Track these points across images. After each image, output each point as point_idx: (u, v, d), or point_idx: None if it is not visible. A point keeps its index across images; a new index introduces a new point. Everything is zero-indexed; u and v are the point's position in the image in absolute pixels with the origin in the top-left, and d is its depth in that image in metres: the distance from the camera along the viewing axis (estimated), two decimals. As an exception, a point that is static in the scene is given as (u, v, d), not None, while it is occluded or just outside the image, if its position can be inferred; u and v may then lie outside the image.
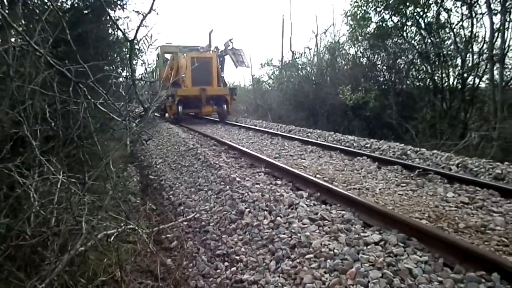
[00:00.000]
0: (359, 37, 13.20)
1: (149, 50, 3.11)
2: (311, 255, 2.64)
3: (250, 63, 17.62)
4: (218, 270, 2.94)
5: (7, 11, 2.69)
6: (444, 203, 3.82)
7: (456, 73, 10.95)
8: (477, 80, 10.55)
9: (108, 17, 4.79)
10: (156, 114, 16.10)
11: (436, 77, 11.34)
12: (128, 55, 3.29)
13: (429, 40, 11.46)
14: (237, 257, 2.96)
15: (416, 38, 12.00)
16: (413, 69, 12.40)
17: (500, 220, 3.27)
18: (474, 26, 10.39)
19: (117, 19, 5.36)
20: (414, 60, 12.09)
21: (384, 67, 13.04)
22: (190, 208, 4.34)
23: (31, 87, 2.30)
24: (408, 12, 11.35)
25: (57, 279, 2.07)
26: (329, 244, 2.73)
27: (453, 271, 2.35)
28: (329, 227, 3.06)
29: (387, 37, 12.26)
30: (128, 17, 5.79)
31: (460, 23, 10.71)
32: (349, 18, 12.95)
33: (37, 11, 2.63)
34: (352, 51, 14.58)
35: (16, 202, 2.35)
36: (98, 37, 4.78)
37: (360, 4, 12.22)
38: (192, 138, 8.99)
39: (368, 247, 2.67)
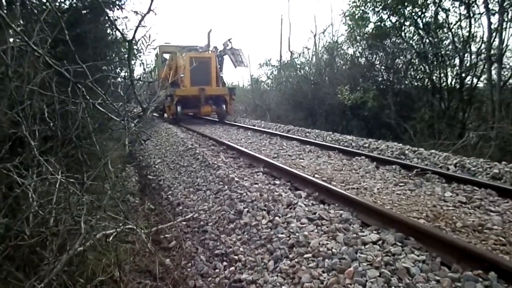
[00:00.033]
0: (358, 37, 13.20)
1: (148, 50, 3.11)
2: (309, 255, 2.66)
3: (249, 63, 17.63)
4: (217, 270, 2.95)
5: (5, 11, 2.69)
6: (442, 203, 3.83)
7: (454, 73, 10.98)
8: (475, 80, 10.59)
9: (106, 18, 4.79)
10: (155, 114, 16.09)
11: (434, 77, 11.36)
12: (126, 55, 3.29)
13: (427, 40, 11.48)
14: (236, 257, 2.97)
15: (414, 38, 12.02)
16: (411, 69, 12.42)
17: (498, 220, 3.29)
18: (472, 26, 10.43)
19: (116, 19, 5.37)
20: (412, 60, 12.11)
21: (383, 67, 13.06)
22: (188, 208, 4.34)
23: (30, 87, 2.31)
24: (406, 12, 11.37)
25: (55, 279, 2.07)
26: (327, 244, 2.74)
27: (451, 270, 2.36)
28: (327, 227, 3.07)
29: (386, 37, 12.27)
30: (126, 17, 5.80)
31: (458, 23, 10.75)
32: (348, 18, 12.95)
33: (36, 11, 2.63)
34: (350, 51, 14.61)
35: (14, 202, 2.36)
36: (96, 37, 4.78)
37: (358, 4, 12.23)
38: (191, 138, 8.99)
39: (366, 246, 2.68)
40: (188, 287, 2.80)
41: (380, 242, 2.75)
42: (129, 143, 2.72)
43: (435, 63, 11.27)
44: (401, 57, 12.40)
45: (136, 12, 5.29)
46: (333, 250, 2.64)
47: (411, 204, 3.83)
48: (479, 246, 2.81)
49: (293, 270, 2.54)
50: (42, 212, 2.31)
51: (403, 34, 12.10)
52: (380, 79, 13.19)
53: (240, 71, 49.48)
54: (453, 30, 10.88)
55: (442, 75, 11.21)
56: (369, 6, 11.93)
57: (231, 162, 6.21)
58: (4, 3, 3.05)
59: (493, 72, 9.66)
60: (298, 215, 3.31)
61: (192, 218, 3.95)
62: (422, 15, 11.28)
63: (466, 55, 10.58)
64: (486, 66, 9.95)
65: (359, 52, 13.91)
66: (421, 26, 11.44)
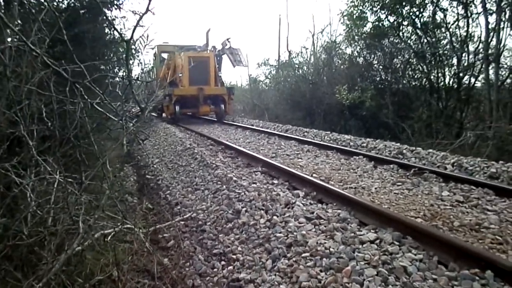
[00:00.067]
0: (356, 37, 13.22)
1: (146, 50, 3.11)
2: (307, 254, 2.67)
3: (247, 62, 17.62)
4: (215, 269, 2.95)
5: (3, 11, 2.69)
6: (439, 202, 3.85)
7: (452, 72, 11.00)
8: (472, 80, 10.61)
9: (104, 17, 4.79)
10: (153, 114, 16.08)
11: (432, 77, 11.38)
12: (124, 55, 3.30)
13: (425, 40, 11.51)
14: (234, 256, 2.98)
15: (412, 37, 12.05)
16: (409, 69, 12.44)
17: (495, 219, 3.31)
18: (470, 26, 10.45)
19: (114, 19, 5.37)
20: (410, 60, 12.13)
21: (381, 67, 13.08)
22: (187, 208, 4.35)
23: (28, 87, 2.31)
24: (404, 11, 11.39)
25: (54, 279, 2.08)
26: (325, 243, 2.75)
27: (448, 269, 2.38)
28: (325, 226, 3.08)
29: (383, 37, 12.30)
30: (124, 17, 5.78)
31: (456, 22, 10.77)
32: (346, 17, 12.98)
33: (34, 11, 2.63)
34: (348, 50, 14.63)
35: (13, 202, 2.35)
36: (94, 37, 4.78)
37: (356, 3, 12.25)
38: (189, 138, 8.99)
39: (364, 245, 2.69)
40: (187, 286, 2.81)
41: (377, 241, 2.76)
42: (127, 142, 2.72)
43: (433, 62, 11.30)
44: (399, 57, 12.42)
45: (134, 12, 5.30)
46: (331, 249, 2.65)
47: (408, 203, 3.85)
48: (476, 245, 2.82)
49: (291, 269, 2.56)
50: (40, 212, 2.31)
51: (401, 33, 12.13)
52: (378, 78, 13.21)
53: (238, 71, 49.45)
54: (450, 29, 10.92)
55: (440, 74, 11.24)
56: (367, 5, 11.96)
57: (229, 161, 6.22)
58: (2, 3, 3.06)
59: (491, 71, 9.68)
60: (296, 214, 3.32)
61: (190, 218, 3.96)
62: (420, 15, 11.31)
63: (463, 54, 10.61)
64: (483, 66, 9.98)
65: (357, 52, 13.95)
66: (419, 26, 11.46)
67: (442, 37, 11.36)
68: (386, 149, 6.77)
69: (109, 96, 2.71)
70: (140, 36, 2.87)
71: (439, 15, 11.11)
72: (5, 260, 2.19)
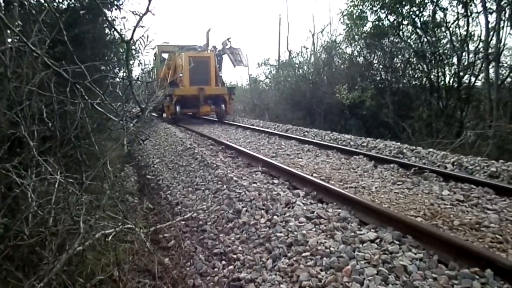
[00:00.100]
0: (356, 36, 13.21)
1: (146, 50, 3.12)
2: (308, 253, 2.67)
3: (247, 62, 17.61)
4: (216, 269, 2.96)
5: (3, 12, 2.70)
6: (439, 201, 3.85)
7: (452, 71, 11.00)
8: (473, 79, 10.60)
9: (104, 18, 4.80)
10: (153, 114, 16.08)
11: (432, 76, 11.38)
12: (124, 56, 3.30)
13: (425, 39, 11.50)
14: (234, 256, 2.99)
15: (412, 37, 12.04)
16: (409, 68, 12.44)
17: (495, 218, 3.31)
18: (470, 25, 10.44)
19: (114, 20, 5.38)
20: (410, 59, 12.13)
21: (381, 66, 13.07)
22: (187, 208, 4.36)
23: (29, 87, 2.32)
24: (404, 11, 11.39)
25: (55, 279, 2.09)
26: (325, 242, 2.76)
27: (448, 268, 2.38)
28: (325, 226, 3.09)
29: (384, 36, 12.29)
30: (124, 18, 5.79)
31: (456, 22, 10.76)
32: (346, 17, 12.96)
33: (34, 12, 2.63)
34: (348, 50, 14.61)
35: (14, 202, 2.37)
36: (95, 37, 4.79)
37: (356, 3, 12.24)
38: (190, 138, 9.00)
39: (364, 244, 2.70)
40: (187, 286, 2.82)
41: (377, 240, 2.77)
42: (127, 143, 2.73)
43: (433, 62, 11.30)
44: (399, 56, 12.41)
45: (134, 13, 5.30)
46: (331, 248, 2.66)
47: (408, 202, 3.85)
48: (476, 244, 2.82)
49: (291, 268, 2.56)
50: (41, 212, 2.32)
51: (401, 33, 12.12)
52: (378, 78, 13.21)
53: (238, 71, 49.45)
54: (450, 29, 10.91)
55: (440, 74, 11.24)
56: (367, 5, 11.95)
57: (230, 161, 6.22)
58: (3, 4, 3.06)
59: (491, 71, 9.67)
60: (297, 214, 3.33)
61: (191, 218, 3.97)
62: (420, 14, 11.30)
63: (464, 54, 10.60)
64: (483, 65, 9.97)
65: (357, 51, 13.94)
66: (419, 25, 11.46)
67: (442, 36, 11.36)
68: (386, 149, 6.77)
69: (110, 97, 2.72)
70: (140, 37, 2.88)
71: (439, 15, 11.12)
72: (6, 260, 2.20)
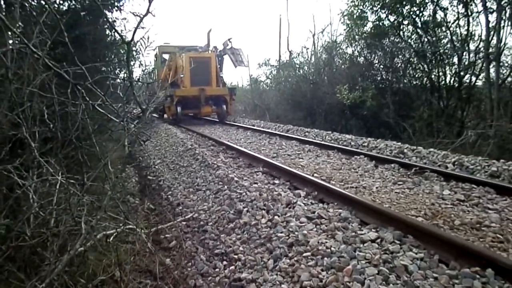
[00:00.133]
0: (356, 37, 13.21)
1: (147, 51, 3.12)
2: (309, 253, 2.68)
3: (248, 63, 17.61)
4: (217, 269, 2.96)
5: (4, 14, 2.71)
6: (440, 201, 3.85)
7: (453, 71, 10.99)
8: (473, 79, 10.59)
9: (105, 19, 4.80)
10: (154, 115, 16.09)
11: (433, 76, 11.37)
12: (125, 57, 3.31)
13: (426, 39, 11.50)
14: (236, 256, 2.99)
15: (412, 37, 12.04)
16: (410, 68, 12.43)
17: (495, 217, 3.31)
18: (470, 25, 10.44)
19: (114, 21, 5.39)
20: (411, 59, 12.12)
21: (381, 66, 13.07)
22: (188, 208, 4.36)
23: (30, 89, 2.32)
24: (404, 11, 11.39)
25: (57, 279, 2.09)
26: (326, 242, 2.76)
27: (448, 268, 2.38)
28: (326, 226, 3.09)
29: (384, 36, 12.29)
30: (125, 19, 5.83)
31: (457, 21, 10.76)
32: (346, 17, 12.96)
33: (35, 14, 2.64)
34: (349, 50, 14.60)
35: (15, 203, 2.37)
36: (95, 39, 4.80)
37: (356, 3, 12.24)
38: (191, 139, 9.01)
39: (365, 244, 2.70)
40: (189, 286, 2.82)
41: (378, 240, 2.77)
42: (128, 144, 2.75)
43: (433, 62, 11.29)
44: (400, 56, 12.41)
45: (134, 14, 5.32)
46: (332, 248, 2.66)
47: (409, 202, 3.85)
48: (477, 244, 2.83)
49: (292, 268, 2.56)
50: (43, 213, 2.33)
51: (401, 33, 12.12)
52: (379, 78, 13.20)
53: (239, 71, 49.46)
54: (451, 28, 10.91)
55: (440, 73, 11.23)
56: (368, 5, 11.95)
57: (231, 162, 6.23)
58: (4, 5, 3.07)
59: (492, 70, 9.66)
60: (297, 214, 3.33)
61: (192, 218, 3.97)
62: (420, 14, 11.30)
63: (464, 53, 10.60)
64: (484, 65, 9.95)
65: (357, 52, 13.93)
66: (420, 25, 11.46)
67: (442, 36, 11.35)
68: (387, 149, 6.77)
69: (111, 98, 2.72)
70: (141, 38, 2.88)
71: (440, 14, 11.11)
72: (8, 261, 2.21)
